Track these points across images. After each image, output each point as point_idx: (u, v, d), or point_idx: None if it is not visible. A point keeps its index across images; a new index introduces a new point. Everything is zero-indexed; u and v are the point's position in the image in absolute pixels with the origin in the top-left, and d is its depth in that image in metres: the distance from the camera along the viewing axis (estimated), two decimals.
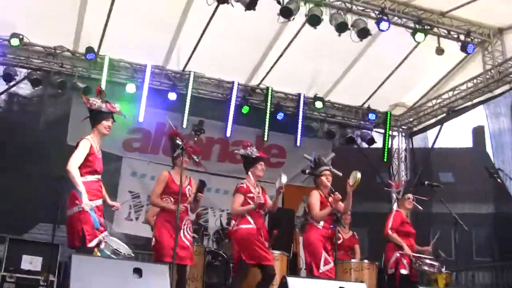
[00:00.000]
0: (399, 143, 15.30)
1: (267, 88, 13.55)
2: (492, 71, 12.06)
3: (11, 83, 12.05)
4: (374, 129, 14.92)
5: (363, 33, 10.76)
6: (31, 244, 10.48)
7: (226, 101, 13.45)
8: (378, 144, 14.72)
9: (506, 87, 12.22)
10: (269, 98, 13.55)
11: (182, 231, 7.71)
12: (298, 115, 13.87)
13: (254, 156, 8.53)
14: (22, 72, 12.08)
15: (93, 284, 5.54)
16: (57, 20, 11.38)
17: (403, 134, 15.29)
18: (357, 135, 14.58)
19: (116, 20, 11.34)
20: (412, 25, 11.34)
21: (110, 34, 11.72)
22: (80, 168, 6.86)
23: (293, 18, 10.54)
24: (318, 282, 7.08)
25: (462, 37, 11.67)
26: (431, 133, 14.69)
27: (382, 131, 14.75)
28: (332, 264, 8.17)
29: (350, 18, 10.78)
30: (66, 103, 12.96)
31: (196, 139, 8.02)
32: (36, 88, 12.60)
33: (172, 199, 7.84)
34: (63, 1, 11.01)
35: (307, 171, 8.67)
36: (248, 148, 8.58)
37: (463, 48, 11.55)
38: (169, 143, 8.34)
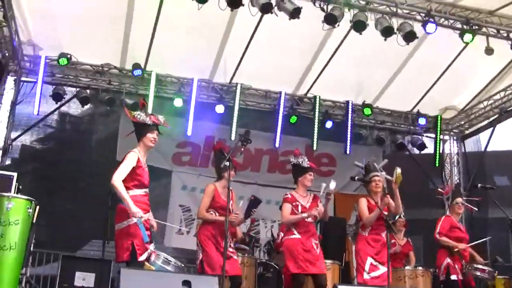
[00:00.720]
0: (450, 147, 15.04)
1: (315, 97, 13.47)
2: None
3: (61, 102, 12.22)
4: (425, 134, 14.71)
5: (410, 36, 10.56)
6: (83, 261, 10.60)
7: (274, 112, 13.40)
8: (430, 149, 14.48)
9: None
10: (317, 107, 13.47)
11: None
12: (347, 123, 13.73)
13: (304, 166, 8.47)
14: (71, 91, 12.26)
15: None
16: (104, 38, 11.61)
17: (455, 138, 15.03)
18: (407, 141, 14.36)
19: (161, 35, 11.47)
20: (459, 26, 11.09)
21: (156, 49, 11.83)
22: (127, 181, 6.83)
23: (338, 25, 10.43)
24: None
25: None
26: (484, 136, 14.39)
27: (433, 135, 14.50)
28: (381, 271, 8.05)
29: (395, 22, 10.60)
30: (116, 120, 13.11)
31: (243, 149, 8.01)
32: (86, 107, 12.81)
33: (217, 213, 7.94)
34: (109, 19, 11.16)
35: (357, 177, 8.54)
36: (300, 157, 8.56)
37: None
38: (214, 157, 8.32)
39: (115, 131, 12.88)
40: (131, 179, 6.87)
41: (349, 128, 13.74)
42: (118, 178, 6.74)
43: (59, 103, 12.23)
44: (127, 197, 6.68)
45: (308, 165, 8.50)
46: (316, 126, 13.47)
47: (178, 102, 12.47)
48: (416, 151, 14.59)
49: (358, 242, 8.39)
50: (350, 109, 13.70)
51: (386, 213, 8.06)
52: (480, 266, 8.86)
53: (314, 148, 13.36)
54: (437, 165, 14.41)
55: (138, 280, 5.75)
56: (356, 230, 8.79)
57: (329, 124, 13.60)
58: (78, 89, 12.21)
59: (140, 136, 7.16)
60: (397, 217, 10.75)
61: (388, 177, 8.34)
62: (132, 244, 6.69)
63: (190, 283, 5.78)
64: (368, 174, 8.47)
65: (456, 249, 9.07)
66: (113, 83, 12.35)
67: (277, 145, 13.41)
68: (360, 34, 10.48)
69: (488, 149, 14.14)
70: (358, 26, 10.34)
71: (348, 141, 13.74)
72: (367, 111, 13.59)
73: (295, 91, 13.58)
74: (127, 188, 6.79)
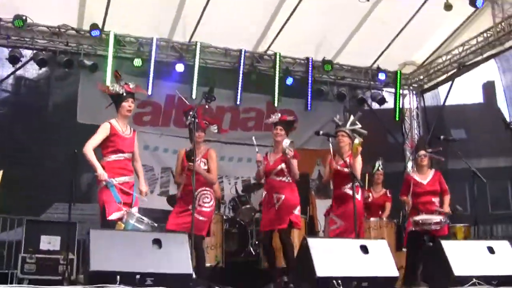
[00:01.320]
0: (410, 101, 15.21)
1: (275, 54, 13.42)
2: (503, 23, 11.91)
3: (17, 65, 11.97)
4: (385, 89, 14.84)
5: None
6: (48, 224, 10.68)
7: (234, 70, 13.33)
8: (390, 103, 14.62)
9: None
10: (277, 64, 13.43)
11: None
12: (308, 79, 13.76)
13: (272, 122, 8.55)
14: (28, 53, 11.98)
15: (113, 257, 5.62)
16: None
17: (414, 92, 15.19)
18: (367, 96, 14.46)
19: None
20: None
21: (114, 9, 11.57)
22: (103, 148, 7.23)
23: None
24: (338, 241, 7.10)
25: None
26: (442, 90, 14.57)
27: (393, 90, 14.66)
28: (338, 225, 8.36)
29: None
30: (73, 83, 12.90)
31: (207, 106, 8.05)
32: (42, 70, 12.58)
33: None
34: None
35: (321, 132, 8.67)
36: (273, 115, 8.64)
37: (472, 3, 11.35)
38: (184, 119, 8.33)
39: (74, 93, 12.67)
40: (106, 146, 7.25)
41: (309, 84, 13.78)
42: (87, 147, 7.11)
43: (15, 66, 11.96)
44: (94, 162, 7.05)
45: (276, 121, 8.50)
46: (276, 83, 13.44)
47: (137, 62, 12.29)
48: (377, 106, 14.69)
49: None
50: (310, 66, 13.70)
51: (346, 169, 8.20)
52: (434, 220, 8.93)
53: (276, 104, 13.33)
54: (397, 119, 14.59)
55: (108, 240, 5.83)
56: (320, 184, 8.95)
57: (289, 81, 13.56)
58: (35, 51, 11.90)
59: (117, 106, 7.43)
60: (374, 169, 11.03)
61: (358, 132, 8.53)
62: (103, 206, 6.97)
63: (160, 241, 5.90)
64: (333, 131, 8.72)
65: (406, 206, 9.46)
66: (71, 44, 12.05)
67: (238, 102, 13.42)
68: None
69: (446, 103, 14.36)
70: None
71: (309, 97, 13.80)
72: (327, 67, 13.58)
73: (255, 48, 13.49)
74: (104, 155, 7.21)
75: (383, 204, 11.18)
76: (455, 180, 12.54)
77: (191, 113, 7.76)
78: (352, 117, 8.86)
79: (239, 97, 13.35)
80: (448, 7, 11.42)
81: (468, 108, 24.44)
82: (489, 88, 25.00)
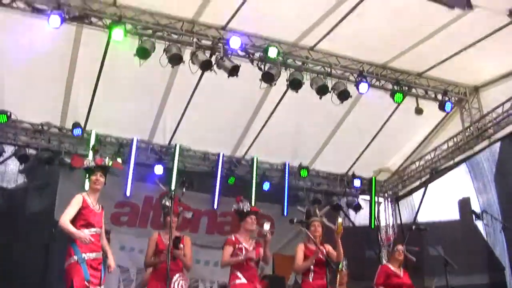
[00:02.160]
0: (385, 209, 15.39)
1: (252, 159, 13.73)
2: (471, 128, 12.35)
3: None
4: (360, 196, 15.07)
5: (344, 95, 11.04)
6: None
7: (213, 173, 13.55)
8: (365, 210, 14.83)
9: (486, 142, 12.48)
10: (254, 169, 13.71)
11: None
12: (284, 185, 14.00)
13: (245, 210, 8.56)
14: (10, 149, 12.18)
15: None
16: (44, 97, 11.61)
17: (389, 199, 15.42)
18: (343, 202, 14.67)
19: (102, 95, 11.58)
20: (390, 86, 11.69)
21: (97, 109, 11.91)
22: (75, 222, 7.11)
23: (275, 84, 10.83)
24: None
25: (439, 97, 12.02)
26: (417, 196, 14.79)
27: (368, 197, 14.89)
28: None
29: (330, 83, 11.09)
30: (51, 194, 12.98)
31: (183, 192, 8.17)
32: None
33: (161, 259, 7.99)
34: (49, 78, 11.22)
35: (295, 219, 8.69)
36: (240, 203, 8.62)
37: (441, 107, 11.88)
38: (160, 204, 8.47)
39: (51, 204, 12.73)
40: (78, 220, 7.17)
41: (286, 189, 14.00)
42: (63, 219, 7.07)
43: None
44: (73, 230, 6.99)
45: (249, 209, 8.57)
46: (253, 187, 13.64)
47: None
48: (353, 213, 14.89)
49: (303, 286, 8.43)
50: (287, 171, 14.00)
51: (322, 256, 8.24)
52: None
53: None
54: (372, 227, 14.72)
55: None
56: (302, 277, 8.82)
57: (266, 186, 13.84)
58: (17, 147, 12.12)
59: (88, 180, 7.59)
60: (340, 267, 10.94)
61: (330, 224, 8.55)
62: (72, 281, 6.85)
63: None
64: (308, 218, 8.66)
65: None
66: (53, 142, 12.33)
67: (215, 206, 13.50)
68: (296, 92, 10.93)
69: (421, 219, 14.49)
70: (294, 84, 10.78)
71: (286, 203, 13.96)
72: (304, 173, 13.89)
73: (233, 153, 13.80)
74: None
75: None
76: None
77: (166, 196, 7.94)
78: (324, 208, 9.04)
79: (216, 201, 13.46)
80: (419, 111, 11.92)
81: (444, 224, 24.64)
82: (464, 205, 25.29)
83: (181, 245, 8.14)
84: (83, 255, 6.99)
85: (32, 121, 12.15)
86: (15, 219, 13.34)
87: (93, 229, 7.25)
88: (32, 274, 11.47)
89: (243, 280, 8.12)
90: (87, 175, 7.58)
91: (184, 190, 8.14)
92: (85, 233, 7.00)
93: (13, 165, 12.92)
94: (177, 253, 8.01)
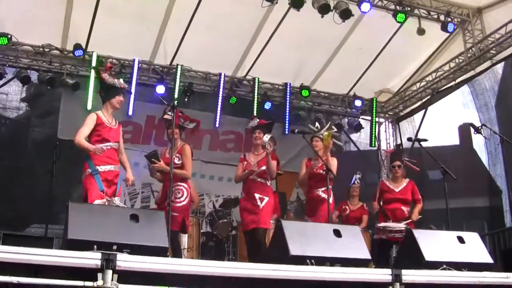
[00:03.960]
0: (386, 129, 15.50)
1: (254, 79, 13.74)
2: (473, 49, 12.30)
3: (1, 82, 12.18)
4: (361, 116, 15.16)
5: (345, 14, 10.95)
6: (25, 239, 10.57)
7: (214, 93, 13.62)
8: (366, 130, 14.97)
9: (488, 63, 12.48)
10: (256, 89, 13.75)
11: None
12: (286, 105, 14.07)
13: (252, 126, 8.84)
14: (11, 71, 12.18)
15: (91, 228, 5.62)
16: (45, 18, 11.56)
17: (390, 120, 15.52)
18: (344, 122, 14.77)
19: (102, 17, 11.54)
20: (392, 7, 11.59)
21: (97, 31, 11.88)
22: (91, 138, 7.31)
23: (277, 2, 10.74)
24: (312, 225, 7.23)
25: (442, 18, 11.94)
26: (418, 118, 14.87)
27: (369, 118, 14.98)
28: None
29: (332, 2, 10.98)
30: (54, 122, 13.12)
31: (186, 99, 8.25)
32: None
33: None
34: (50, 0, 11.19)
35: (296, 130, 8.92)
36: (252, 120, 8.95)
37: (444, 28, 11.82)
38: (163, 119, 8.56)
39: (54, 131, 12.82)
40: (93, 136, 7.33)
41: (287, 109, 14.08)
42: (78, 137, 7.23)
43: None
44: (86, 144, 7.20)
45: (256, 125, 8.80)
46: (255, 107, 13.71)
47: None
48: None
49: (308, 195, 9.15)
50: (288, 91, 14.04)
51: (321, 170, 8.53)
52: (397, 228, 9.08)
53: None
54: (373, 145, 14.89)
55: (86, 213, 5.86)
56: (299, 206, 9.07)
57: (268, 106, 13.91)
58: (18, 69, 12.11)
59: (108, 97, 7.56)
60: (351, 183, 11.27)
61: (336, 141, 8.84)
62: (86, 194, 7.04)
63: (137, 216, 5.92)
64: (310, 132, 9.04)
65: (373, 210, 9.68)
66: (54, 63, 12.32)
67: (217, 125, 13.66)
68: (298, 10, 10.85)
69: (423, 145, 14.54)
70: (296, 2, 10.67)
71: (287, 122, 14.08)
72: (305, 93, 13.94)
73: (235, 73, 13.81)
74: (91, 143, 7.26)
75: (360, 216, 11.38)
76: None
77: (169, 107, 8.02)
78: (326, 125, 9.20)
79: (218, 120, 13.59)
80: (421, 31, 11.89)
81: (444, 150, 24.91)
82: (464, 130, 25.49)
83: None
84: (97, 167, 7.16)
85: (33, 43, 12.08)
86: (19, 148, 13.51)
87: (108, 144, 7.39)
88: (38, 199, 11.63)
89: (243, 195, 8.78)
90: (108, 93, 7.54)
91: (185, 96, 8.20)
92: (97, 147, 7.15)
93: (15, 93, 12.96)
94: (150, 168, 8.20)
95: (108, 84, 7.53)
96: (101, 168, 7.21)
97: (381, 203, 9.59)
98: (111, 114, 7.59)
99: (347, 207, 11.39)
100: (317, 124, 9.38)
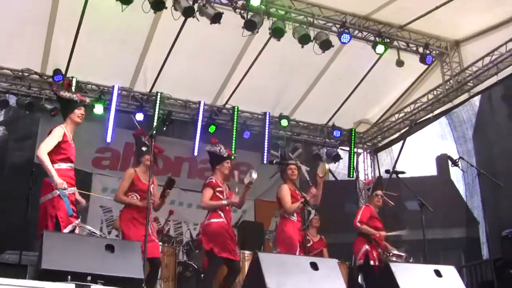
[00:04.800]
0: (364, 159, 15.52)
1: (233, 108, 13.74)
2: (451, 81, 12.44)
3: None
4: (340, 147, 15.20)
5: (326, 45, 11.04)
6: None
7: (193, 121, 13.57)
8: (344, 165, 15.02)
9: (465, 96, 12.61)
10: (235, 118, 13.74)
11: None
12: (265, 134, 14.06)
13: (222, 155, 8.65)
14: None
15: (65, 257, 5.58)
16: (25, 42, 11.51)
17: (368, 151, 15.54)
18: (322, 153, 14.78)
19: (84, 41, 11.49)
20: (372, 38, 11.72)
21: (78, 56, 11.82)
22: (53, 155, 6.92)
23: (257, 31, 10.80)
24: (288, 257, 7.18)
25: (421, 50, 12.08)
26: (396, 149, 14.96)
27: (347, 148, 15.02)
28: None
29: (312, 33, 11.08)
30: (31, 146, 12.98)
31: (164, 129, 8.19)
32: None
33: (137, 196, 8.02)
34: (31, 24, 11.12)
35: (274, 161, 8.86)
36: (217, 145, 8.70)
37: (422, 60, 11.95)
38: (135, 143, 8.44)
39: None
40: (57, 153, 6.97)
41: (266, 138, 14.05)
42: (43, 151, 6.85)
43: None
44: (52, 169, 6.79)
45: (227, 154, 8.67)
46: (234, 136, 13.70)
47: (98, 109, 12.43)
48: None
49: (286, 227, 8.55)
50: (267, 120, 14.04)
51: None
52: (396, 252, 9.26)
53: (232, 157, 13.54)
54: (351, 176, 14.90)
55: (60, 242, 5.81)
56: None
57: (247, 135, 13.91)
58: None
59: (67, 112, 7.29)
60: (311, 215, 11.17)
61: (304, 167, 8.75)
62: (56, 217, 6.75)
63: (113, 247, 5.87)
64: (285, 161, 8.85)
65: (373, 237, 9.52)
66: (33, 88, 12.23)
67: (195, 153, 13.51)
68: (278, 40, 10.88)
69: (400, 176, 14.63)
70: (277, 32, 10.74)
71: (265, 151, 14.01)
72: (284, 122, 13.97)
73: (214, 101, 13.80)
74: (53, 162, 6.88)
75: (321, 249, 11.31)
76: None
77: (144, 138, 7.99)
78: (297, 152, 9.23)
79: (196, 148, 13.48)
80: (400, 63, 12.00)
81: (422, 180, 25.03)
82: (442, 161, 25.63)
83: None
84: (65, 184, 6.81)
85: (12, 67, 12.01)
86: None
87: (70, 164, 7.14)
88: (13, 224, 11.50)
89: (224, 219, 8.33)
90: (67, 108, 7.29)
91: (164, 125, 8.15)
92: (63, 182, 6.77)
93: None
94: (168, 194, 8.11)
95: (65, 99, 7.32)
96: (67, 190, 6.90)
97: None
98: (72, 131, 7.30)
99: (309, 238, 11.09)
100: (280, 150, 9.35)
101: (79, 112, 7.28)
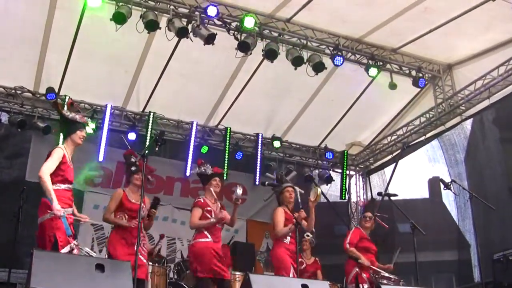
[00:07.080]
0: (356, 181, 15.54)
1: (226, 129, 13.76)
2: (443, 104, 12.51)
3: None
4: (332, 169, 15.21)
5: (319, 67, 11.06)
6: None
7: (186, 142, 13.57)
8: (336, 187, 15.01)
9: (457, 119, 12.66)
10: (227, 139, 13.76)
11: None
12: (257, 155, 14.07)
13: (208, 173, 8.57)
14: None
15: (54, 279, 5.52)
16: (18, 60, 11.54)
17: (360, 173, 15.57)
18: (315, 174, 14.77)
19: (77, 60, 11.53)
20: (365, 61, 11.77)
21: (71, 74, 11.86)
22: (52, 175, 6.88)
23: (251, 53, 10.84)
24: (280, 279, 7.15)
25: (413, 73, 12.13)
26: (388, 171, 14.94)
27: (340, 170, 15.03)
28: None
29: (306, 55, 11.12)
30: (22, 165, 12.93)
31: (157, 149, 8.19)
32: None
33: (125, 216, 8.02)
34: (24, 42, 11.16)
35: (267, 182, 8.90)
36: (202, 166, 8.64)
37: (415, 83, 12.01)
38: (124, 163, 8.44)
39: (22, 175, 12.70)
40: (56, 174, 6.94)
41: (258, 160, 14.07)
42: (46, 172, 6.81)
43: None
44: (53, 193, 6.73)
45: (212, 172, 8.56)
46: (226, 157, 13.71)
47: (90, 128, 12.40)
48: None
49: (279, 250, 8.50)
50: (260, 141, 14.07)
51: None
52: (386, 275, 9.21)
53: (225, 178, 13.52)
54: (344, 198, 14.89)
55: (50, 261, 5.74)
56: (269, 257, 8.91)
57: (239, 156, 13.94)
58: None
59: (69, 133, 7.27)
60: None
61: (299, 189, 8.71)
62: (54, 236, 6.69)
63: (103, 266, 5.83)
64: (281, 184, 8.80)
65: (360, 260, 9.45)
66: (26, 106, 12.25)
67: (188, 174, 13.50)
68: (272, 62, 10.91)
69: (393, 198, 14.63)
70: (270, 54, 10.77)
71: (258, 172, 14.02)
72: (277, 144, 14.02)
73: (207, 121, 13.83)
74: (51, 183, 6.83)
75: (315, 271, 11.22)
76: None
77: (133, 157, 7.97)
78: (291, 174, 9.22)
79: (188, 169, 13.45)
80: (392, 85, 12.02)
81: (414, 202, 25.00)
82: (434, 184, 25.60)
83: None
84: (63, 209, 6.75)
85: (5, 85, 12.03)
86: None
87: (68, 186, 7.13)
88: (2, 242, 11.41)
89: (210, 239, 8.18)
90: (69, 129, 7.28)
91: (156, 145, 8.12)
92: (61, 210, 6.70)
93: None
94: (153, 214, 8.12)
95: (68, 119, 7.30)
96: (65, 211, 6.85)
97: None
98: (72, 152, 7.30)
99: (302, 260, 11.01)
100: (275, 173, 9.34)
101: (81, 133, 7.28)
